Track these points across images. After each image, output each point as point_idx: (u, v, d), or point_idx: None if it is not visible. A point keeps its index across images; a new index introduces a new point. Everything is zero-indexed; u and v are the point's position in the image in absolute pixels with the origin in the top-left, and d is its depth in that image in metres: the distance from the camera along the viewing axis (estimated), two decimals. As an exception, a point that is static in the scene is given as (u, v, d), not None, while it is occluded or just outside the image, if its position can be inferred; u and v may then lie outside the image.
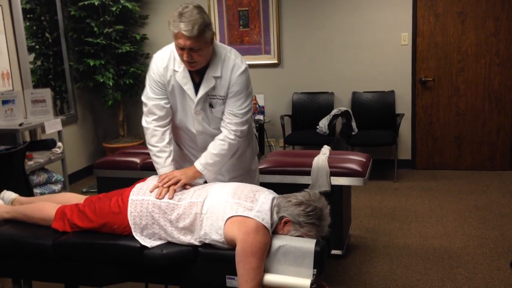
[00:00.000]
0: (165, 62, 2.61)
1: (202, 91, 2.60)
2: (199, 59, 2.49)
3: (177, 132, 2.80)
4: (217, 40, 2.56)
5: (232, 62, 2.60)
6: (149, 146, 2.69)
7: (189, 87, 2.61)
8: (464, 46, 5.59)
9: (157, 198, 2.43)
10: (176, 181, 2.51)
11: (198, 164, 2.62)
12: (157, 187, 2.48)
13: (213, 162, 2.62)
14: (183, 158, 2.87)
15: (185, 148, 2.85)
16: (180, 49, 2.46)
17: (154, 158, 2.68)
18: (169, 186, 2.48)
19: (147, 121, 2.69)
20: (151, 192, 2.47)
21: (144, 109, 2.70)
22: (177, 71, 2.60)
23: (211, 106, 2.65)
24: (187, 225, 2.36)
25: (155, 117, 2.66)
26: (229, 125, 2.63)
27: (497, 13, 5.45)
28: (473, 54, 5.59)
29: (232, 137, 2.63)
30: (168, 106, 2.66)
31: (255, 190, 2.44)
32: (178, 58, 2.56)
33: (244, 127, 2.67)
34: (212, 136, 2.68)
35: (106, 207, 2.48)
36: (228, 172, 2.78)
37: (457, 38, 5.59)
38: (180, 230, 2.38)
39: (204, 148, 2.68)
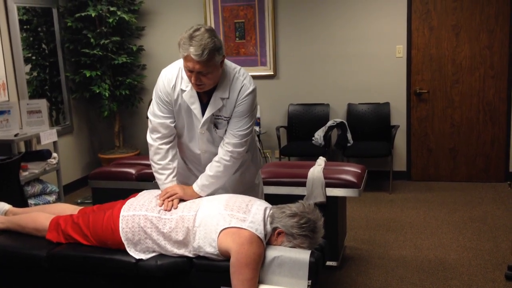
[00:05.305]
0: (173, 81, 2.58)
1: (209, 112, 2.57)
2: (207, 82, 2.46)
3: (182, 149, 2.79)
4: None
5: (240, 83, 2.57)
6: (151, 162, 2.70)
7: (196, 107, 2.58)
8: (459, 59, 5.63)
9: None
10: (173, 194, 2.52)
11: (196, 186, 2.63)
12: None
13: (209, 183, 2.62)
14: (188, 172, 2.86)
15: (190, 164, 2.85)
16: (189, 71, 2.43)
17: (156, 175, 2.68)
18: (167, 198, 2.49)
19: (152, 138, 2.67)
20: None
21: (149, 125, 2.68)
22: (185, 90, 2.56)
23: (215, 126, 2.63)
24: (180, 239, 2.37)
25: (159, 135, 2.64)
26: (227, 145, 2.61)
27: (491, 26, 5.50)
28: (468, 66, 5.62)
29: (227, 158, 2.60)
30: (173, 125, 2.65)
31: (247, 200, 2.44)
32: (186, 77, 2.53)
33: (242, 149, 2.63)
34: (216, 155, 2.67)
35: (99, 224, 2.48)
36: (231, 187, 2.76)
37: (452, 51, 5.63)
38: (173, 243, 2.38)
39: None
